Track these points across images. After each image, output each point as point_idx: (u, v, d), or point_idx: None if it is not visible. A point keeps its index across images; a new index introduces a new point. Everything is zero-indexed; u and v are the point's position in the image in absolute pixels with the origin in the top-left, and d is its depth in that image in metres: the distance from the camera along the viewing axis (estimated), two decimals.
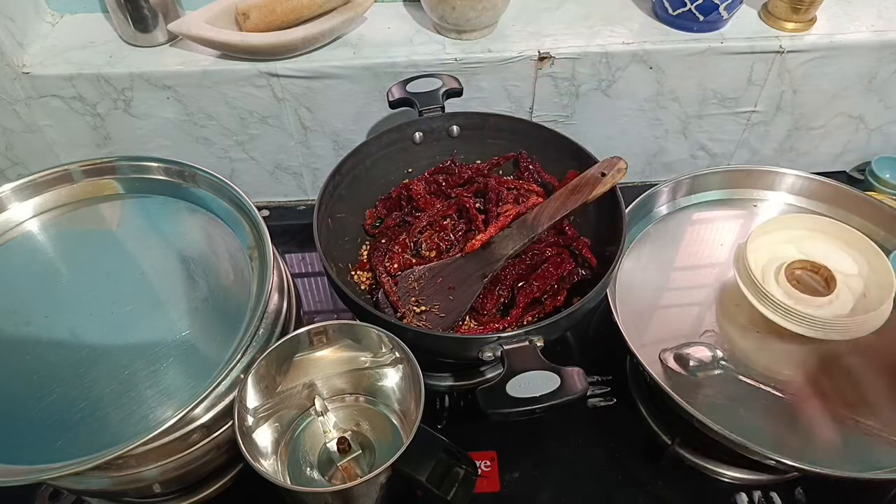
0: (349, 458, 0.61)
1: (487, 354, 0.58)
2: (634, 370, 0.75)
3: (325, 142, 0.90)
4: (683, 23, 0.83)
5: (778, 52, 0.84)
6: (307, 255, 0.92)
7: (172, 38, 0.83)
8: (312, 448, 0.63)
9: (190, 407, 0.49)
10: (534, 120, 0.89)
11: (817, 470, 0.57)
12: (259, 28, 0.80)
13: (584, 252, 0.71)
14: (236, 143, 0.89)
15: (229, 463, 0.62)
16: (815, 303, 0.65)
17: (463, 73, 0.83)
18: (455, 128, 0.80)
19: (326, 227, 0.70)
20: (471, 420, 0.73)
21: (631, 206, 0.74)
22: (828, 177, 0.80)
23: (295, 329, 0.61)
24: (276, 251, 0.62)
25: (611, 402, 0.74)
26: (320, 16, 0.81)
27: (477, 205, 0.76)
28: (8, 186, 0.65)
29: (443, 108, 0.78)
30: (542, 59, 0.83)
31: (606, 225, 0.71)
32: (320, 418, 0.63)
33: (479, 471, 0.63)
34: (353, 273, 0.74)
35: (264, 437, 0.60)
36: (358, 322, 0.61)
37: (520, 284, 0.70)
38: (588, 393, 0.70)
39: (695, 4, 0.81)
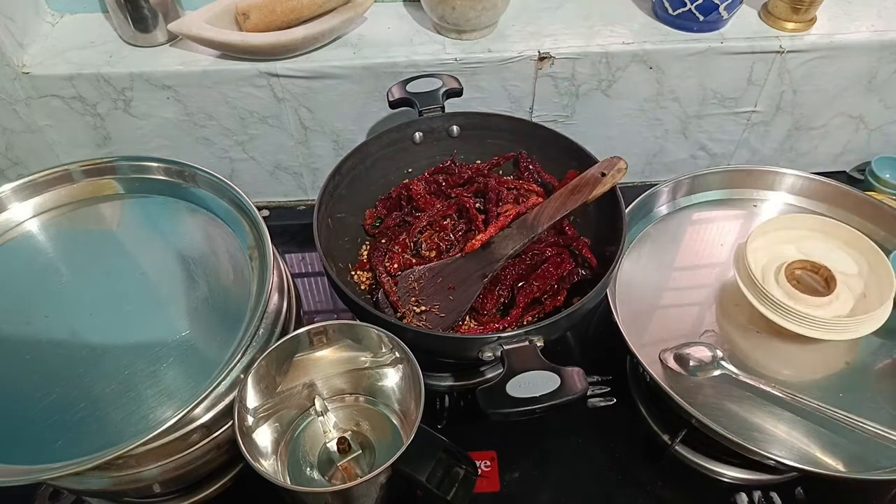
0: (349, 458, 0.61)
1: (487, 354, 0.58)
2: (634, 370, 0.75)
3: (325, 142, 0.90)
4: (683, 23, 0.83)
5: (778, 52, 0.84)
6: (307, 255, 0.92)
7: (172, 38, 0.83)
8: (312, 448, 0.63)
9: (190, 407, 0.49)
10: (534, 120, 0.89)
11: (817, 470, 0.57)
12: (259, 28, 0.80)
13: (584, 252, 0.71)
14: (236, 143, 0.89)
15: (229, 463, 0.62)
16: (815, 303, 0.65)
17: (463, 73, 0.83)
18: (455, 128, 0.80)
19: (326, 227, 0.70)
20: (471, 420, 0.73)
21: (631, 206, 0.74)
22: (828, 177, 0.80)
23: (295, 329, 0.61)
24: (276, 251, 0.62)
25: (611, 402, 0.74)
26: (320, 16, 0.81)
27: (477, 205, 0.76)
28: (8, 186, 0.65)
29: (443, 108, 0.78)
30: (542, 59, 0.83)
31: (606, 225, 0.71)
32: (320, 418, 0.63)
33: (479, 471, 0.63)
34: (353, 273, 0.74)
35: (264, 437, 0.60)
36: (358, 322, 0.61)
37: (520, 284, 0.70)
38: (588, 393, 0.70)
39: (695, 4, 0.81)
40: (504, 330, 0.66)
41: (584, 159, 0.73)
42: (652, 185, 0.79)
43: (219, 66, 0.80)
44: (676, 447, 0.67)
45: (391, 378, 0.63)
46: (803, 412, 0.61)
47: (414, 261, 0.73)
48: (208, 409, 0.54)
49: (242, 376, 0.56)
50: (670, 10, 0.83)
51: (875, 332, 0.63)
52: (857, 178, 1.00)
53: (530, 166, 0.79)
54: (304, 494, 0.56)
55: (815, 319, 0.63)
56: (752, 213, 0.81)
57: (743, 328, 0.69)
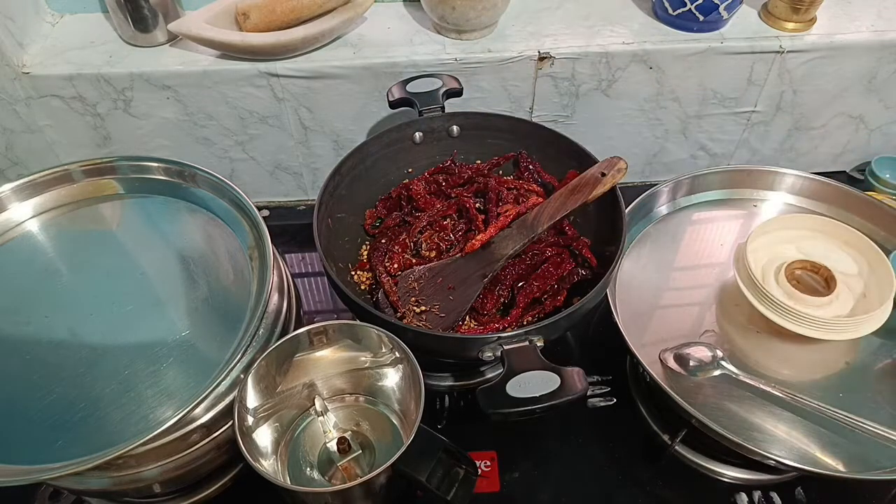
0: (349, 458, 0.61)
1: (487, 354, 0.58)
2: (634, 370, 0.75)
3: (325, 142, 0.90)
4: (683, 23, 0.83)
5: (778, 52, 0.84)
6: (307, 255, 0.92)
7: (172, 38, 0.83)
8: (312, 448, 0.63)
9: (190, 407, 0.49)
10: (534, 120, 0.89)
11: (817, 470, 0.57)
12: (259, 28, 0.80)
13: (584, 252, 0.71)
14: (236, 143, 0.89)
15: (229, 463, 0.62)
16: (815, 303, 0.65)
17: (463, 73, 0.83)
18: (455, 128, 0.80)
19: (326, 227, 0.70)
20: (471, 420, 0.73)
21: (631, 206, 0.74)
22: (828, 177, 0.80)
23: (295, 329, 0.61)
24: (276, 251, 0.62)
25: (611, 402, 0.74)
26: (320, 16, 0.81)
27: (477, 205, 0.76)
28: (8, 186, 0.65)
29: (443, 108, 0.78)
30: (542, 59, 0.83)
31: (606, 225, 0.71)
32: (320, 418, 0.63)
33: (479, 471, 0.63)
34: (353, 273, 0.74)
35: (264, 437, 0.60)
36: (358, 322, 0.61)
37: (520, 284, 0.70)
38: (588, 393, 0.71)
39: (695, 4, 0.81)
40: (504, 330, 0.66)
41: (584, 159, 0.73)
42: (652, 185, 0.79)
43: (219, 66, 0.80)
44: (676, 447, 0.67)
45: (391, 378, 0.63)
46: (803, 412, 0.61)
47: (414, 261, 0.73)
48: (208, 409, 0.54)
49: (242, 376, 0.56)
50: (670, 10, 0.83)
51: (875, 332, 0.63)
52: (857, 178, 1.00)
53: (530, 166, 0.79)
54: (304, 494, 0.56)
55: (815, 319, 0.63)
56: (752, 213, 0.81)
57: (743, 328, 0.69)
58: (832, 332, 0.63)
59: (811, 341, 0.64)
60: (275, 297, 0.61)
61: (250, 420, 0.57)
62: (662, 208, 0.81)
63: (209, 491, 0.64)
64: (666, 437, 0.69)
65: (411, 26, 0.87)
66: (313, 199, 0.71)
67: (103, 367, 0.54)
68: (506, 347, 0.57)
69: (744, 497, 0.66)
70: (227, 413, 0.55)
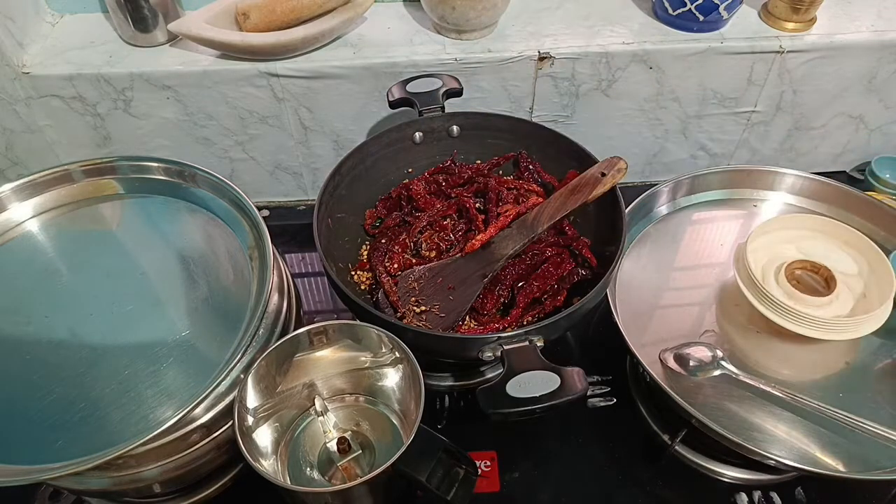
0: (349, 458, 0.61)
1: (487, 354, 0.58)
2: (634, 370, 0.75)
3: (325, 142, 0.90)
4: (683, 23, 0.83)
5: (778, 52, 0.84)
6: (307, 255, 0.92)
7: (172, 38, 0.83)
8: (312, 448, 0.63)
9: (190, 407, 0.49)
10: (534, 120, 0.89)
11: (817, 470, 0.57)
12: (259, 28, 0.80)
13: (584, 252, 0.71)
14: (236, 143, 0.89)
15: (229, 463, 0.62)
16: (815, 303, 0.65)
17: (463, 73, 0.83)
18: (455, 128, 0.80)
19: (326, 227, 0.70)
20: (471, 420, 0.73)
21: (631, 206, 0.74)
22: (828, 177, 0.79)
23: (295, 329, 0.61)
24: (276, 251, 0.62)
25: (611, 402, 0.74)
26: (320, 16, 0.81)
27: (477, 205, 0.76)
28: (8, 186, 0.65)
29: (443, 108, 0.78)
30: (542, 59, 0.83)
31: (606, 225, 0.71)
32: (320, 418, 0.63)
33: (479, 471, 0.63)
34: (353, 273, 0.74)
35: (264, 437, 0.60)
36: (358, 322, 0.61)
37: (520, 284, 0.70)
38: (588, 393, 0.71)
39: (695, 4, 0.81)
40: (504, 330, 0.66)
41: (584, 159, 0.73)
42: (652, 185, 0.79)
43: (219, 66, 0.80)
44: (676, 447, 0.67)
45: (391, 378, 0.63)
46: (803, 412, 0.61)
47: (414, 261, 0.73)
48: (208, 409, 0.54)
49: (242, 376, 0.56)
50: (670, 10, 0.83)
51: (875, 332, 0.63)
52: (857, 178, 1.00)
53: (530, 166, 0.79)
54: (304, 494, 0.56)
55: (815, 319, 0.63)
56: (752, 213, 0.81)
57: (743, 328, 0.69)
58: (832, 332, 0.63)
59: (811, 341, 0.64)
60: (275, 297, 0.61)
61: (250, 420, 0.57)
62: (662, 208, 0.81)
63: (209, 491, 0.64)
64: (666, 437, 0.69)
65: (411, 26, 0.87)
66: (313, 199, 0.71)
67: (103, 367, 0.54)
68: (506, 347, 0.57)
69: (744, 497, 0.66)
70: (227, 413, 0.55)
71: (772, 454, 0.57)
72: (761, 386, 0.63)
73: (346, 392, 0.66)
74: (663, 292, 0.74)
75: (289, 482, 0.59)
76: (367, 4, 0.83)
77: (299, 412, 0.64)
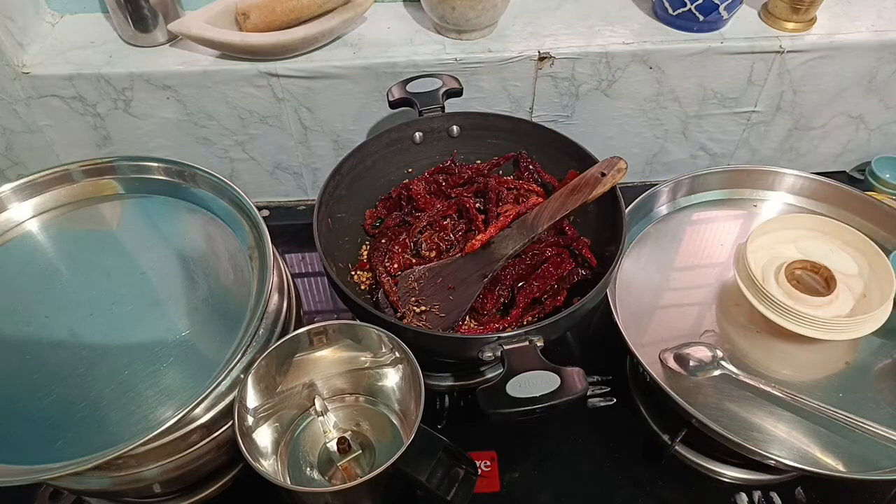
0: (349, 458, 0.61)
1: (487, 354, 0.58)
2: (634, 370, 0.75)
3: (325, 142, 0.90)
4: (683, 23, 0.83)
5: (778, 52, 0.84)
6: (307, 255, 0.92)
7: (172, 38, 0.83)
8: (312, 448, 0.63)
9: (190, 407, 0.49)
10: (534, 120, 0.89)
11: (817, 470, 0.57)
12: (259, 28, 0.80)
13: (584, 252, 0.71)
14: (236, 143, 0.89)
15: (229, 463, 0.62)
16: (815, 303, 0.65)
17: (463, 73, 0.83)
18: (455, 128, 0.80)
19: (326, 227, 0.70)
20: (471, 420, 0.73)
21: (631, 206, 0.74)
22: (828, 177, 0.80)
23: (295, 329, 0.61)
24: (276, 251, 0.62)
25: (611, 402, 0.74)
26: (320, 16, 0.81)
27: (477, 205, 0.76)
28: (8, 186, 0.65)
29: (443, 108, 0.78)
30: (542, 59, 0.83)
31: (606, 225, 0.71)
32: (320, 418, 0.63)
33: (479, 471, 0.63)
34: (353, 273, 0.74)
35: (264, 437, 0.60)
36: (358, 322, 0.61)
37: (520, 284, 0.70)
38: (588, 393, 0.71)
39: (695, 4, 0.81)
40: (504, 330, 0.66)
41: (584, 159, 0.73)
42: (652, 185, 0.79)
43: (219, 66, 0.80)
44: (676, 447, 0.68)
45: (391, 378, 0.63)
46: (803, 412, 0.61)
47: (414, 261, 0.73)
48: (208, 409, 0.54)
49: (242, 376, 0.56)
50: (670, 10, 0.83)
51: (875, 332, 0.63)
52: (857, 178, 1.00)
53: (530, 166, 0.79)
54: (304, 494, 0.56)
55: (815, 319, 0.63)
56: (752, 213, 0.81)
57: (743, 328, 0.69)
58: (832, 332, 0.63)
59: (811, 341, 0.64)
60: (275, 297, 0.61)
61: (250, 420, 0.57)
62: (662, 208, 0.81)
63: (209, 491, 0.64)
64: (666, 437, 0.69)
65: (411, 26, 0.87)
66: (313, 199, 0.71)
67: (103, 367, 0.54)
68: (506, 347, 0.57)
69: (744, 497, 0.66)
70: (227, 413, 0.55)
71: (772, 454, 0.57)
72: (761, 386, 0.63)
73: (346, 392, 0.66)
74: (663, 292, 0.74)
75: (289, 482, 0.59)
76: (367, 4, 0.83)
77: (299, 412, 0.64)
